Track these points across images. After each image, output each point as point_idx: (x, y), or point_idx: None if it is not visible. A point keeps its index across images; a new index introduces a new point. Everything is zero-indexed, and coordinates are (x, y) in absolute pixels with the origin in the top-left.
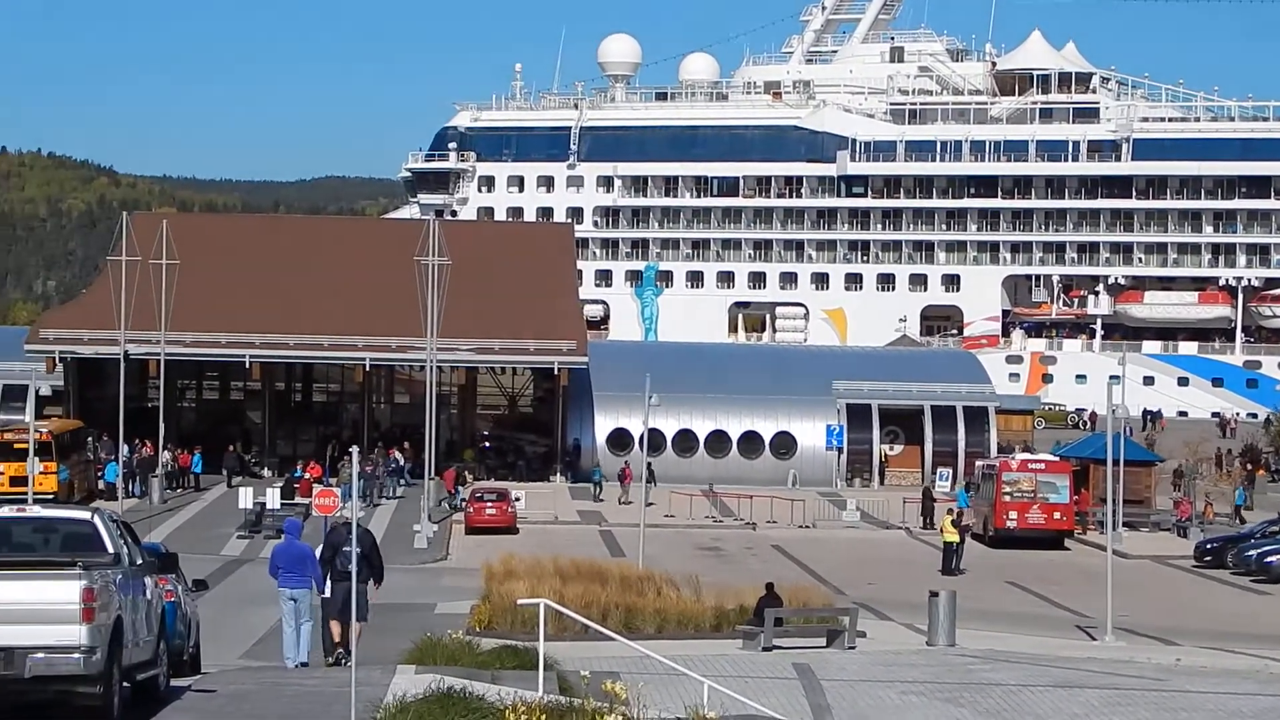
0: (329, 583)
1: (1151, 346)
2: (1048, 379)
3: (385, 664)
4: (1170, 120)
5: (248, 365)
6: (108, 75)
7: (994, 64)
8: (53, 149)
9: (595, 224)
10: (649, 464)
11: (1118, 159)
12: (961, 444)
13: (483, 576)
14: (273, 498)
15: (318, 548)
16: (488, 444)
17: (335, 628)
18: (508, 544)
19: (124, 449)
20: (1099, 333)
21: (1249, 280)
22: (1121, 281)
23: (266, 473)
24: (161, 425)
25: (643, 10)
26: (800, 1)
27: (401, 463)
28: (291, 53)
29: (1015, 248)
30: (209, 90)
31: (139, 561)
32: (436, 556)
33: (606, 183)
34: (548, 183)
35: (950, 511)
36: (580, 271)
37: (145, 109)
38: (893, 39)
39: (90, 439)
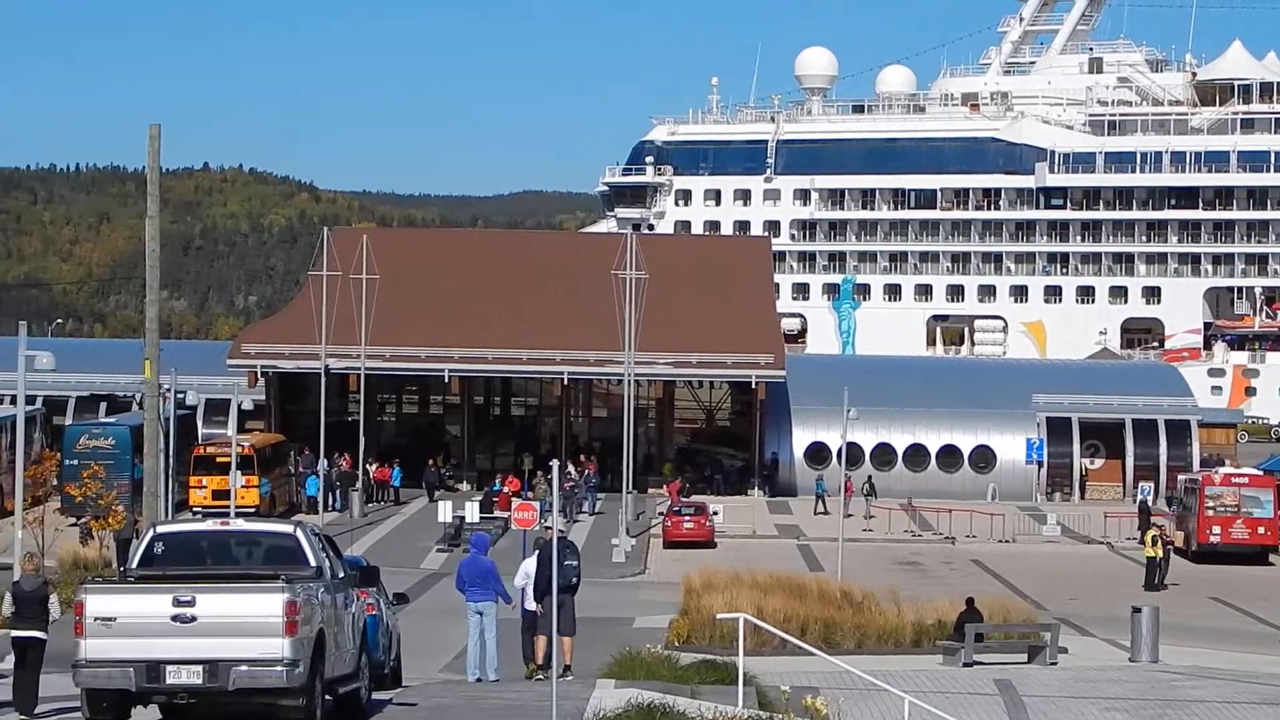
0: (524, 597)
1: None
2: (1250, 392)
3: (584, 678)
4: None
5: (447, 379)
6: (307, 92)
7: (1194, 74)
8: (254, 165)
9: (792, 237)
10: (869, 477)
11: None
12: (1163, 458)
13: (681, 590)
14: (472, 511)
15: (526, 561)
16: (685, 458)
17: (541, 642)
18: (705, 558)
19: (324, 463)
20: None
21: None
22: None
23: (465, 486)
24: (362, 439)
25: (840, 23)
26: (998, 13)
27: (593, 478)
28: (490, 68)
29: (1217, 259)
30: (408, 106)
31: (341, 575)
32: (635, 570)
33: (803, 196)
34: (744, 196)
35: (1154, 526)
36: (777, 285)
37: (345, 125)
38: (1091, 49)
39: (291, 453)
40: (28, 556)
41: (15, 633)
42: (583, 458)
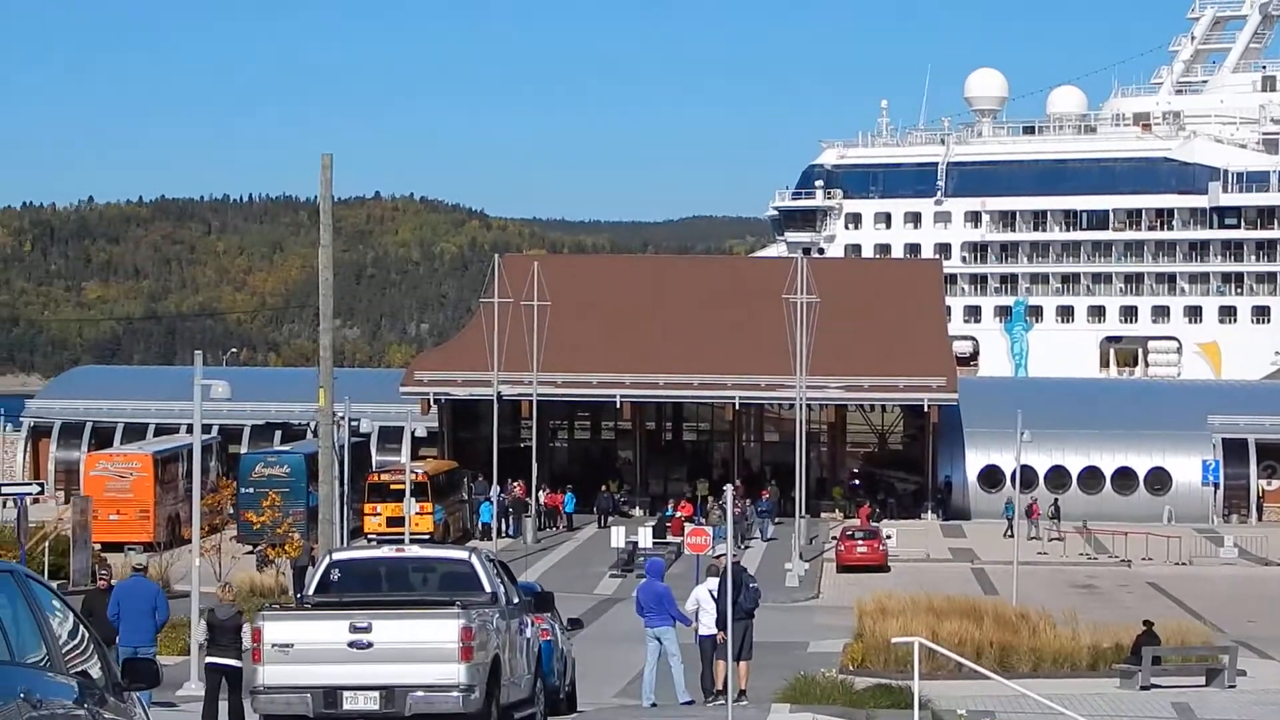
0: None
1: None
2: None
3: (760, 703)
4: None
5: (618, 405)
6: (477, 120)
7: None
8: (425, 193)
9: (963, 259)
10: (1056, 500)
11: None
12: None
13: (855, 615)
14: (645, 537)
15: (698, 588)
16: (857, 482)
17: (720, 667)
18: (879, 582)
19: (497, 489)
20: None
21: None
22: None
23: (638, 512)
24: (534, 465)
25: (1009, 45)
26: (1169, 32)
27: (765, 503)
28: (658, 95)
29: None
30: (577, 133)
31: (516, 600)
32: (808, 595)
33: (974, 218)
34: (915, 219)
35: None
36: (949, 308)
37: (516, 152)
38: (1264, 68)
39: (464, 479)
40: (224, 586)
41: (211, 659)
42: (735, 483)
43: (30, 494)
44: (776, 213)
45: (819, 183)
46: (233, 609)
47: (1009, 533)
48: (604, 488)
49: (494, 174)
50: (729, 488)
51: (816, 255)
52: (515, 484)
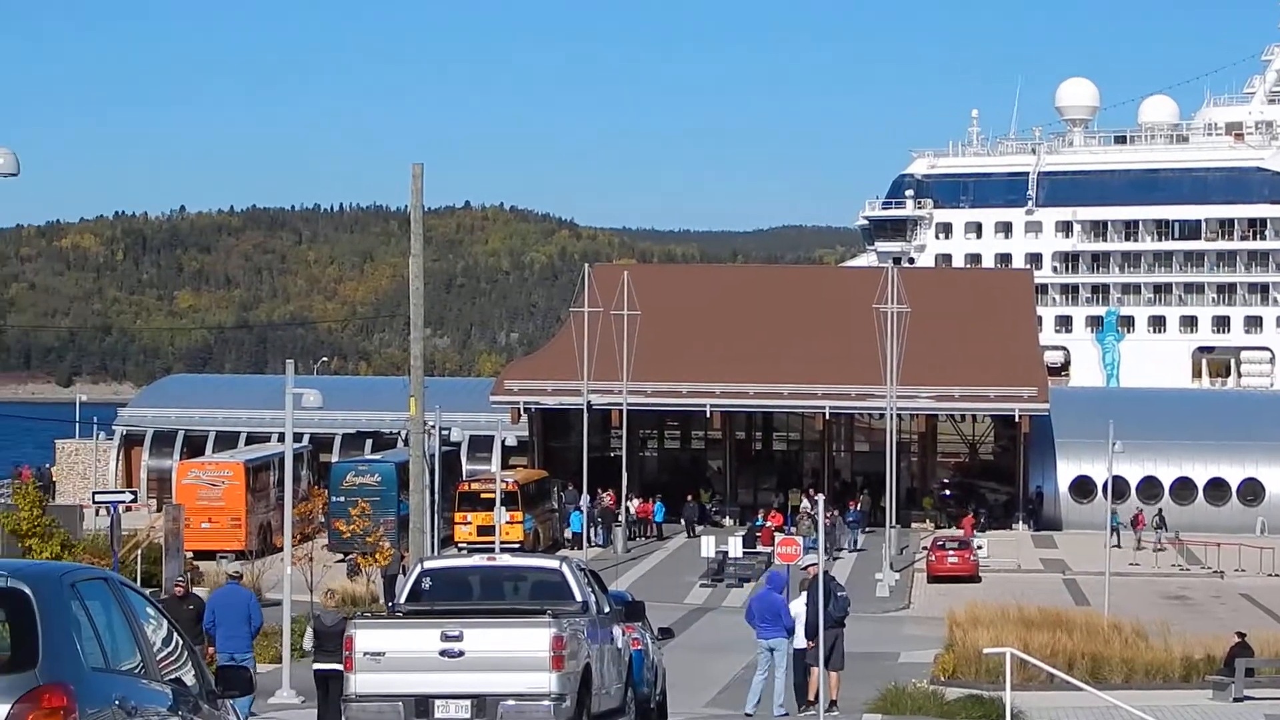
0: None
1: None
2: None
3: (851, 713)
4: None
5: (708, 414)
6: (568, 129)
7: None
8: (515, 203)
9: (1054, 269)
10: (1160, 510)
11: None
12: None
13: (946, 625)
14: (734, 546)
15: (796, 598)
16: (948, 492)
17: (813, 677)
18: (970, 592)
19: (586, 498)
20: None
21: None
22: None
23: (728, 521)
24: (624, 475)
25: (1100, 54)
26: (1261, 41)
27: (855, 514)
28: (749, 104)
29: None
30: (666, 143)
31: (606, 610)
32: (899, 605)
33: (1065, 228)
34: (1005, 228)
35: None
36: (1040, 318)
37: (605, 161)
38: None
39: (554, 489)
40: (329, 593)
41: (318, 666)
42: (808, 491)
43: (123, 502)
44: (867, 222)
45: (909, 192)
46: (338, 615)
47: (1115, 543)
48: (693, 497)
49: (584, 183)
50: (819, 497)
51: (907, 265)
52: (605, 493)
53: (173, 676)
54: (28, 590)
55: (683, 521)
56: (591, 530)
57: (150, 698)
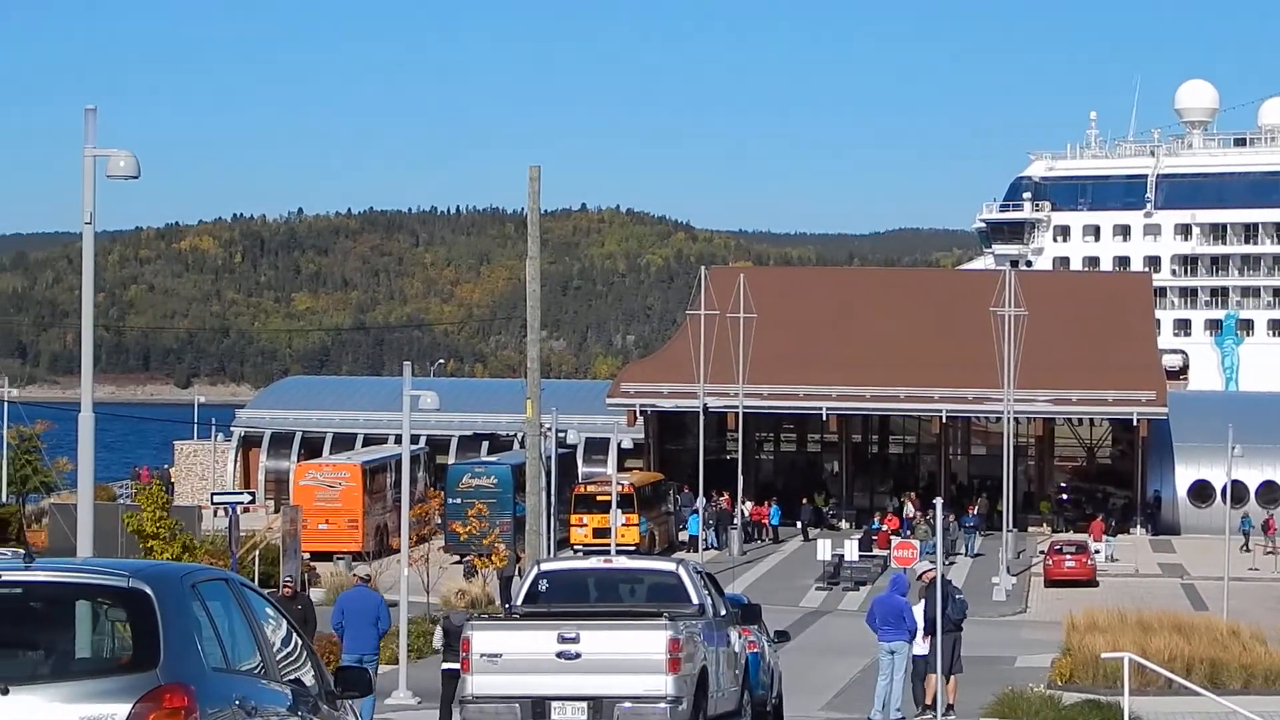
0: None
1: None
2: None
3: (967, 716)
4: None
5: (824, 418)
6: (682, 132)
7: None
8: (631, 205)
9: (1173, 272)
10: None
11: None
12: None
13: (1063, 629)
14: (850, 550)
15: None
16: (1065, 496)
17: (930, 681)
18: (1087, 597)
19: (702, 500)
20: None
21: None
22: None
23: (843, 525)
24: (740, 477)
25: (1220, 56)
26: None
27: (972, 518)
28: (864, 108)
29: None
30: (782, 145)
31: (723, 612)
32: (1016, 609)
33: (1184, 230)
34: (1124, 231)
35: None
36: (1158, 321)
37: (721, 164)
38: None
39: (670, 491)
40: (459, 593)
41: (447, 665)
42: (911, 496)
43: (241, 503)
44: (984, 225)
45: (1027, 195)
46: (466, 615)
47: (1245, 547)
48: (808, 500)
49: (700, 186)
50: (937, 501)
51: (1024, 268)
52: (720, 496)
53: (292, 677)
54: (149, 591)
55: (799, 524)
56: (706, 533)
57: (270, 698)
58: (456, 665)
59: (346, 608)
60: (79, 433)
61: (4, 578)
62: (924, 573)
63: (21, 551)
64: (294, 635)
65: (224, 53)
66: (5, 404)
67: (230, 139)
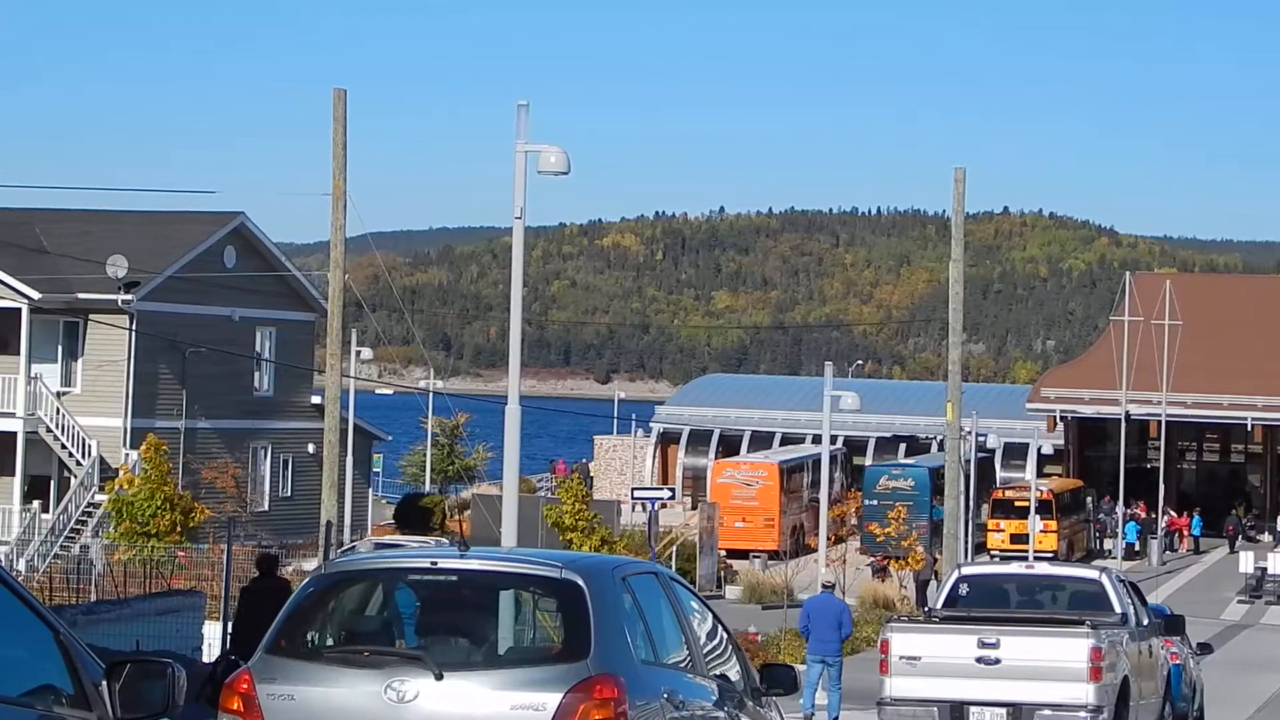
0: None
1: None
2: None
3: None
4: None
5: (1249, 427)
6: (1107, 135)
7: None
8: (1054, 209)
9: None
10: None
11: None
12: None
13: None
14: (1274, 563)
15: None
16: None
17: None
18: None
19: (1121, 509)
20: None
21: None
22: None
23: (1267, 537)
24: (1161, 486)
25: None
26: None
27: None
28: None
29: None
30: (1208, 150)
31: (1146, 622)
32: None
33: None
34: None
35: None
36: None
37: (1146, 169)
38: None
39: (1089, 498)
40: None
41: None
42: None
43: (661, 499)
44: None
45: None
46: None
47: None
48: (1232, 511)
49: (1124, 190)
50: None
51: None
52: (1137, 504)
53: (718, 672)
54: (581, 582)
55: (1222, 535)
56: (1139, 543)
57: (696, 692)
58: None
59: (812, 612)
60: (505, 425)
61: (441, 565)
62: None
63: (459, 540)
64: (720, 630)
65: (647, 57)
66: (431, 395)
67: (655, 137)
